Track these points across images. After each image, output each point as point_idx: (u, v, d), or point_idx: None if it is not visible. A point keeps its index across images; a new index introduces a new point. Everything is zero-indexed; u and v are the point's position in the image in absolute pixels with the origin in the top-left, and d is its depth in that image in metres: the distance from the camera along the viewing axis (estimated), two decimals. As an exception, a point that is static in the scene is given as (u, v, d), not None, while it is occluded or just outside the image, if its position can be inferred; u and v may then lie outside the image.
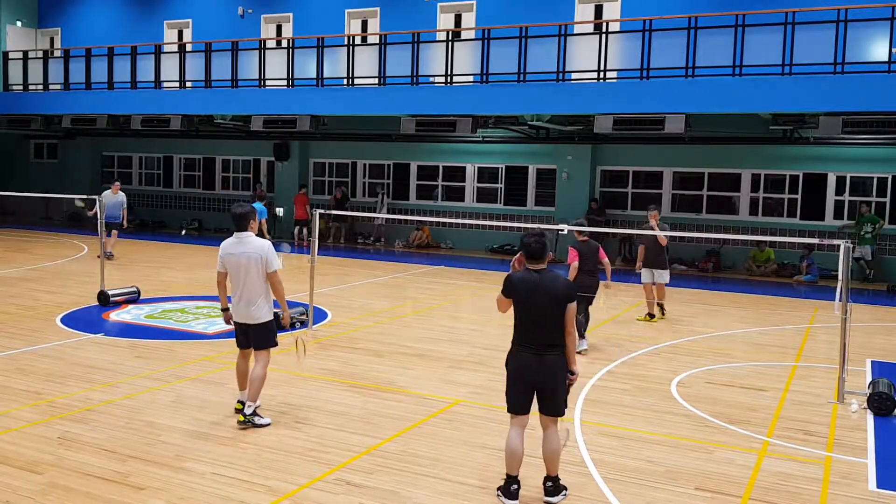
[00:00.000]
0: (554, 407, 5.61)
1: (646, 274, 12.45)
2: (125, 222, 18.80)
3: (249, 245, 7.01)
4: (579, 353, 10.26)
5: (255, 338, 7.09)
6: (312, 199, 24.27)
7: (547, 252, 5.69)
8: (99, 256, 17.92)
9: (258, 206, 17.36)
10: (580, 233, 10.30)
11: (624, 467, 6.26)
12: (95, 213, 15.23)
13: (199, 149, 27.32)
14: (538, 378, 5.56)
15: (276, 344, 7.20)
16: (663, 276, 12.43)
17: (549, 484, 5.64)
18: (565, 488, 5.71)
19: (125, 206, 18.75)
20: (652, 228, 12.16)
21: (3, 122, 25.51)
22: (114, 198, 18.44)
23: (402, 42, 19.68)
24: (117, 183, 19.20)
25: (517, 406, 5.64)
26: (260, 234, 18.06)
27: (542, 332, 5.55)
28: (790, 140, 18.47)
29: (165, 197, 27.94)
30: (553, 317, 5.54)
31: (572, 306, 5.57)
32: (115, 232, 18.43)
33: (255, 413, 7.00)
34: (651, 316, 12.60)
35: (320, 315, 12.06)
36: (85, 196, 18.05)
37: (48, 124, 24.70)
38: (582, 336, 10.09)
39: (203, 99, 22.02)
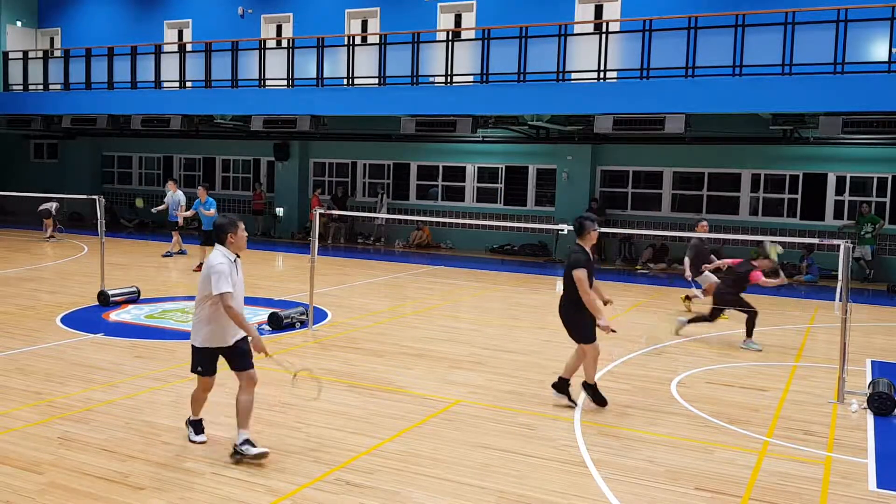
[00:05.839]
0: (571, 334, 7.77)
1: (701, 278, 12.98)
2: (181, 221, 18.93)
3: (207, 261, 6.15)
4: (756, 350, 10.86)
5: None
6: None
7: (585, 231, 7.54)
8: (170, 253, 18.80)
9: (210, 200, 17.14)
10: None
11: (624, 467, 6.26)
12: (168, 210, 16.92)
13: (199, 149, 27.32)
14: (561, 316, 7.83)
15: (199, 372, 6.25)
16: (708, 277, 12.89)
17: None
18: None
19: (182, 205, 18.80)
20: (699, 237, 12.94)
21: (3, 122, 25.54)
22: (172, 197, 18.77)
23: (402, 42, 19.68)
24: (171, 181, 19.43)
25: None
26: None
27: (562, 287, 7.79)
28: (790, 140, 18.46)
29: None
30: (563, 277, 7.67)
31: (576, 272, 7.37)
32: (174, 232, 18.95)
33: (245, 442, 6.10)
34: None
35: (320, 315, 12.06)
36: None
37: (48, 124, 24.71)
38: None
39: (203, 99, 22.02)
